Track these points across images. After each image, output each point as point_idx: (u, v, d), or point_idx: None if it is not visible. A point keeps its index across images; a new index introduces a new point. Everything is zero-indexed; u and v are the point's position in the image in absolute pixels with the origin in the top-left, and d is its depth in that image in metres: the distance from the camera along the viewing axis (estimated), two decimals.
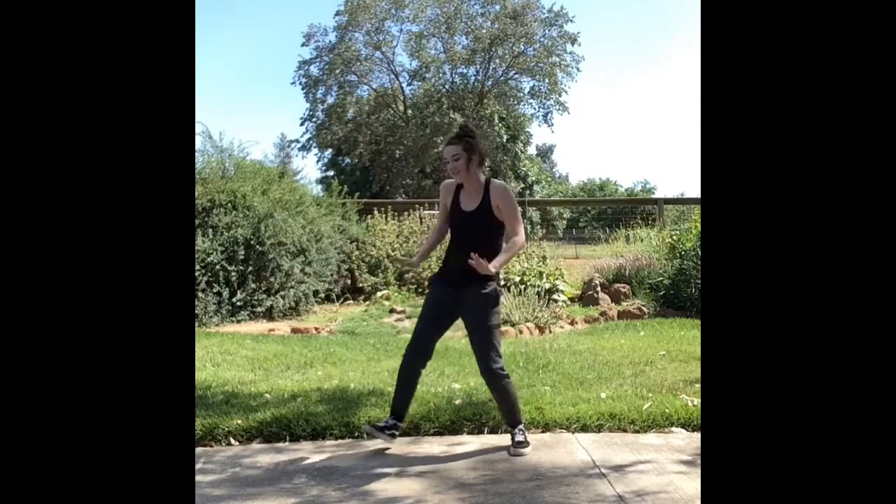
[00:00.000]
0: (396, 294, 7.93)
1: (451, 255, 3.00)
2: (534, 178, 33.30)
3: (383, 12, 28.64)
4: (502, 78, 30.26)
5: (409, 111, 29.77)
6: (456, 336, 5.73)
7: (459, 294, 2.91)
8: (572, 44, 29.07)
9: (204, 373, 4.18)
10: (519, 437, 2.92)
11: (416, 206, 9.87)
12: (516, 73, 30.06)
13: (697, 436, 3.03)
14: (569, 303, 7.47)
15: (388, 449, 2.96)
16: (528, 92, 30.39)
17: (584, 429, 3.17)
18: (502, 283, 7.26)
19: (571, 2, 56.51)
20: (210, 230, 6.72)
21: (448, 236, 3.09)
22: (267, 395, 3.65)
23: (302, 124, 30.81)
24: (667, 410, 3.29)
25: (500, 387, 2.89)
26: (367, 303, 7.90)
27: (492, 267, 2.72)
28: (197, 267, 6.36)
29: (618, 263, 8.25)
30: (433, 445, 3.02)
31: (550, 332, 6.06)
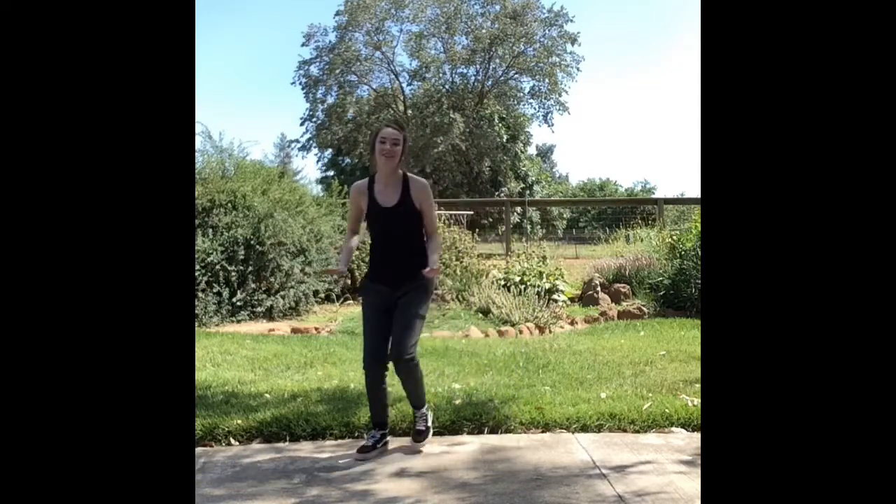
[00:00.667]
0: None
1: (379, 255, 2.96)
2: (534, 178, 33.30)
3: (383, 12, 28.63)
4: (502, 78, 30.26)
5: (409, 111, 29.76)
6: (456, 336, 5.73)
7: (395, 291, 2.88)
8: (572, 44, 29.07)
9: (204, 373, 4.18)
10: (420, 426, 2.97)
11: None
12: (516, 73, 30.07)
13: (697, 436, 3.03)
14: (569, 303, 7.48)
15: (387, 449, 2.96)
16: (528, 92, 30.41)
17: (584, 429, 3.17)
18: (503, 283, 7.30)
19: (571, 2, 56.56)
20: (210, 230, 6.73)
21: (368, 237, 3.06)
22: (267, 395, 3.65)
23: (302, 124, 30.84)
24: (667, 410, 3.29)
25: (409, 373, 2.87)
26: None
27: (432, 267, 2.77)
28: (197, 267, 6.37)
29: (618, 263, 8.25)
30: (433, 445, 3.02)
31: (550, 332, 6.06)
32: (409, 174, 2.93)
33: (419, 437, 2.96)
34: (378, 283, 2.94)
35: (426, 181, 2.98)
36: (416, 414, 3.03)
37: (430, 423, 3.03)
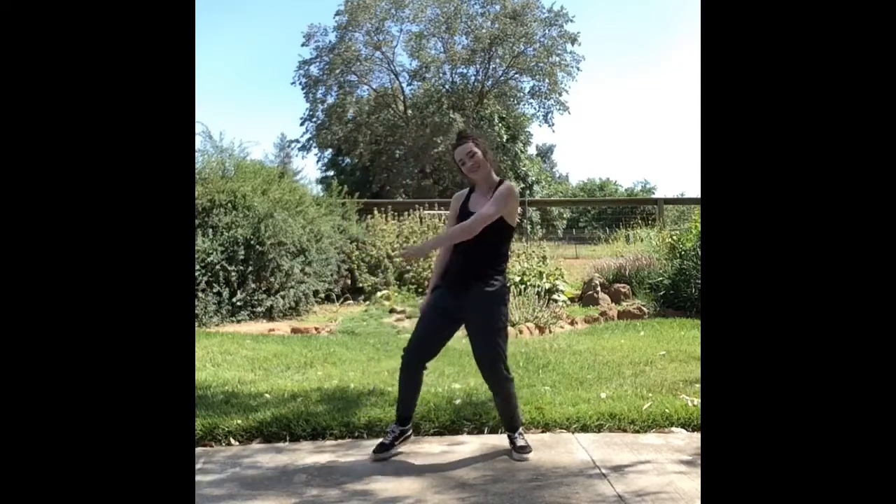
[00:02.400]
0: (396, 294, 7.93)
1: (453, 259, 2.90)
2: (534, 178, 33.32)
3: (383, 12, 28.66)
4: (502, 78, 30.28)
5: (409, 111, 29.78)
6: (456, 336, 5.73)
7: (460, 297, 2.81)
8: (572, 43, 29.09)
9: (204, 373, 4.18)
10: (520, 442, 2.88)
11: (416, 206, 9.87)
12: (516, 73, 30.09)
13: (697, 436, 3.03)
14: (569, 303, 7.48)
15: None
16: (528, 92, 30.42)
17: (584, 429, 3.17)
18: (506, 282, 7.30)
19: (571, 2, 56.56)
20: (210, 230, 6.73)
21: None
22: (267, 395, 3.65)
23: (302, 124, 30.87)
24: (667, 410, 3.29)
25: (504, 392, 2.84)
26: (367, 303, 7.90)
27: (415, 249, 2.74)
28: (197, 267, 6.37)
29: (618, 263, 8.25)
30: (433, 445, 3.02)
31: (550, 332, 6.06)
32: (505, 180, 2.89)
33: (522, 451, 2.84)
34: (445, 285, 2.88)
35: (511, 184, 2.87)
36: (511, 437, 2.93)
37: (527, 440, 2.92)
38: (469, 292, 2.79)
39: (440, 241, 2.89)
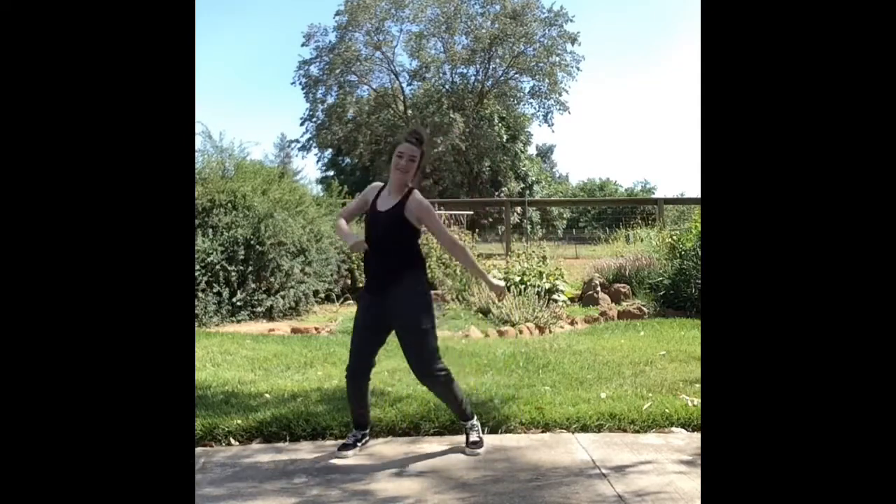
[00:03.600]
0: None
1: (367, 263, 2.91)
2: (534, 178, 33.31)
3: (383, 12, 28.66)
4: (502, 78, 30.28)
5: (409, 111, 29.78)
6: (456, 336, 5.73)
7: (382, 300, 2.81)
8: (572, 43, 29.10)
9: (204, 373, 4.18)
10: (474, 437, 2.92)
11: None
12: (516, 73, 30.09)
13: (697, 436, 3.03)
14: (569, 303, 7.48)
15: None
16: (528, 92, 30.43)
17: (584, 429, 3.17)
18: (503, 282, 7.29)
19: (571, 2, 56.56)
20: (210, 230, 6.72)
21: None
22: (267, 395, 3.65)
23: (302, 124, 30.88)
24: (667, 410, 3.29)
25: (442, 388, 2.86)
26: None
27: (496, 285, 2.90)
28: (197, 267, 6.36)
29: (618, 263, 8.26)
30: (433, 445, 3.02)
31: (550, 332, 6.06)
32: (415, 190, 2.89)
33: (474, 447, 2.89)
34: (367, 289, 2.90)
35: (427, 203, 2.88)
36: (464, 426, 2.98)
37: (482, 434, 2.96)
38: (388, 296, 2.80)
39: (473, 265, 3.00)
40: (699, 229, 6.82)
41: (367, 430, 3.01)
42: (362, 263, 2.99)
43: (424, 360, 2.80)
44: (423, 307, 2.81)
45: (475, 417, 3.02)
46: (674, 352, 4.70)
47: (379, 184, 3.02)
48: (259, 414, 3.29)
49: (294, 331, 6.18)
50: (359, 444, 2.94)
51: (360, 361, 2.87)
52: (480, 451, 2.88)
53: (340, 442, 3.01)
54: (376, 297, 2.84)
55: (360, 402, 2.93)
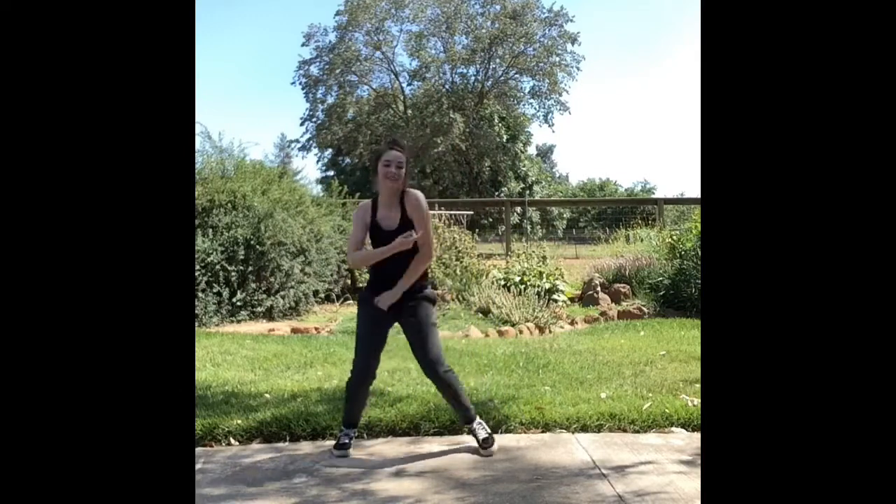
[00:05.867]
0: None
1: (381, 273, 2.88)
2: (534, 178, 33.29)
3: (383, 12, 28.66)
4: (502, 78, 30.27)
5: (409, 111, 29.78)
6: (456, 336, 5.73)
7: (395, 308, 2.85)
8: (572, 43, 29.08)
9: (204, 373, 4.18)
10: (482, 434, 2.92)
11: None
12: (516, 73, 30.08)
13: (697, 436, 3.03)
14: (569, 303, 7.48)
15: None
16: (528, 92, 30.41)
17: (584, 429, 3.17)
18: (503, 283, 7.30)
19: (571, 2, 56.55)
20: (210, 230, 6.73)
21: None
22: (267, 395, 3.65)
23: (302, 124, 30.87)
24: (667, 410, 3.29)
25: (447, 385, 2.87)
26: None
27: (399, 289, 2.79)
28: (197, 267, 6.37)
29: (618, 263, 8.26)
30: (433, 445, 3.02)
31: (550, 332, 6.06)
32: (406, 189, 2.88)
33: (486, 444, 2.88)
34: (376, 293, 2.88)
35: (419, 193, 2.89)
36: (470, 428, 2.97)
37: (488, 430, 2.96)
38: (406, 302, 2.84)
39: (413, 275, 2.87)
40: (699, 229, 6.82)
41: (355, 429, 3.04)
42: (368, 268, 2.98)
43: (435, 355, 2.84)
44: (431, 304, 2.91)
45: (478, 418, 3.02)
46: (674, 352, 4.70)
47: (366, 202, 2.98)
48: (259, 414, 3.29)
49: (294, 331, 6.18)
50: (351, 443, 2.97)
51: (374, 362, 2.92)
52: (494, 446, 2.88)
53: (333, 443, 3.01)
54: (396, 304, 2.85)
55: (358, 401, 2.96)
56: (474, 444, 2.96)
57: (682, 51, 69.39)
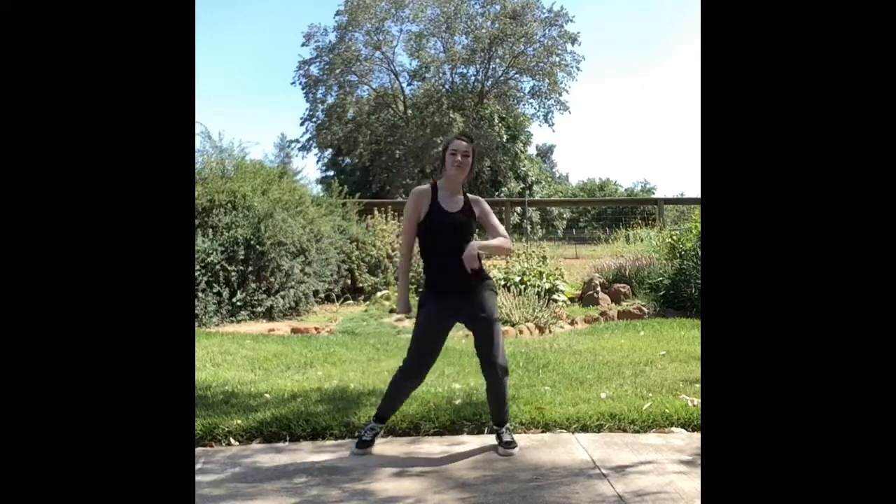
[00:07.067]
0: (396, 294, 7.93)
1: (442, 263, 2.86)
2: (534, 178, 33.29)
3: (383, 12, 28.64)
4: (502, 78, 30.26)
5: (409, 111, 29.77)
6: (456, 336, 5.73)
7: (462, 298, 2.84)
8: (572, 43, 29.07)
9: (204, 373, 4.18)
10: (507, 437, 2.92)
11: None
12: (516, 73, 30.07)
13: (697, 436, 3.03)
14: (569, 303, 7.48)
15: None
16: (528, 92, 30.40)
17: (584, 429, 3.17)
18: (503, 282, 7.30)
19: (571, 2, 56.55)
20: (210, 230, 6.73)
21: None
22: (267, 395, 3.65)
23: (302, 124, 30.84)
24: (667, 410, 3.29)
25: (502, 383, 2.86)
26: (367, 303, 7.90)
27: (476, 250, 2.80)
28: (197, 267, 6.37)
29: (618, 263, 8.26)
30: (433, 445, 3.02)
31: (550, 332, 6.06)
32: (466, 192, 2.99)
33: (508, 446, 2.89)
34: (446, 290, 2.85)
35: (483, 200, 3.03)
36: (499, 432, 2.96)
37: (512, 437, 2.96)
38: (470, 291, 2.84)
39: (492, 248, 2.99)
40: (699, 229, 6.82)
41: (383, 424, 3.05)
42: (431, 266, 2.91)
43: (501, 348, 2.84)
44: (495, 298, 2.93)
45: (510, 422, 3.03)
46: (674, 352, 4.70)
47: (423, 188, 2.97)
48: (259, 414, 3.29)
49: (294, 331, 6.18)
50: (374, 441, 2.98)
51: (430, 361, 2.91)
52: (515, 450, 2.88)
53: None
54: (462, 294, 2.85)
55: (400, 397, 2.99)
56: (474, 444, 2.97)
57: (682, 51, 69.44)
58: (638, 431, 3.15)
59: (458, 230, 2.86)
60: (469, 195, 2.99)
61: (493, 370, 2.82)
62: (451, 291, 2.85)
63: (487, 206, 2.99)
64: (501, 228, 2.98)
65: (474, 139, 3.05)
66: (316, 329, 6.28)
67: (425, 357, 2.89)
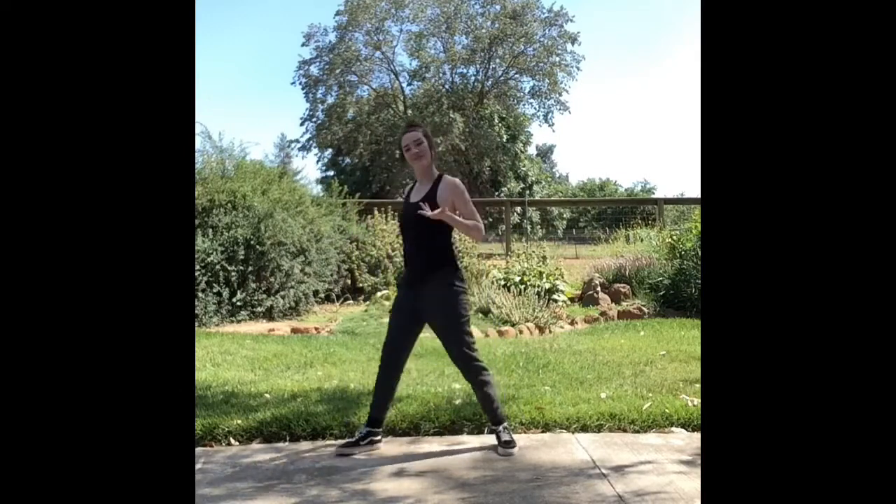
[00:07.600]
0: (396, 294, 7.93)
1: (405, 253, 2.99)
2: (534, 178, 33.26)
3: (383, 12, 28.63)
4: (502, 78, 30.26)
5: (409, 111, 29.75)
6: None
7: (418, 294, 2.87)
8: (572, 43, 29.07)
9: (204, 373, 4.18)
10: (505, 437, 2.91)
11: None
12: (516, 73, 30.07)
13: (697, 436, 3.03)
14: (569, 303, 7.48)
15: (378, 448, 2.96)
16: (528, 92, 30.40)
17: (584, 429, 3.17)
18: (503, 282, 7.30)
19: (571, 2, 56.55)
20: (210, 230, 6.72)
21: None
22: (267, 395, 3.65)
23: (302, 124, 30.83)
24: (667, 410, 3.29)
25: (481, 382, 2.88)
26: (367, 303, 7.90)
27: (437, 213, 2.71)
28: (197, 267, 6.37)
29: (618, 263, 8.26)
30: (433, 445, 3.02)
31: (550, 332, 6.06)
32: (445, 175, 2.95)
33: (507, 446, 2.87)
34: (406, 282, 2.95)
35: (457, 179, 2.94)
36: (496, 431, 2.95)
37: (512, 436, 2.93)
38: (427, 287, 2.85)
39: (461, 224, 2.85)
40: (699, 229, 6.82)
41: (379, 430, 2.98)
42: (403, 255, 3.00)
43: (466, 351, 2.85)
44: (461, 299, 2.88)
45: (507, 421, 3.01)
46: (674, 352, 4.70)
47: (410, 185, 3.09)
48: (259, 414, 3.29)
49: (294, 331, 6.18)
50: (361, 444, 2.92)
51: (391, 350, 2.95)
52: (514, 450, 2.86)
53: (341, 441, 3.01)
54: (413, 289, 2.89)
55: (381, 394, 2.96)
56: (474, 444, 2.97)
57: (682, 51, 69.46)
58: (638, 431, 3.15)
59: (416, 219, 2.81)
60: (444, 178, 2.91)
61: (464, 373, 2.89)
62: (407, 282, 2.94)
63: (462, 190, 2.90)
64: (476, 215, 2.90)
65: (419, 124, 3.01)
66: (316, 329, 6.27)
67: (389, 342, 2.95)
